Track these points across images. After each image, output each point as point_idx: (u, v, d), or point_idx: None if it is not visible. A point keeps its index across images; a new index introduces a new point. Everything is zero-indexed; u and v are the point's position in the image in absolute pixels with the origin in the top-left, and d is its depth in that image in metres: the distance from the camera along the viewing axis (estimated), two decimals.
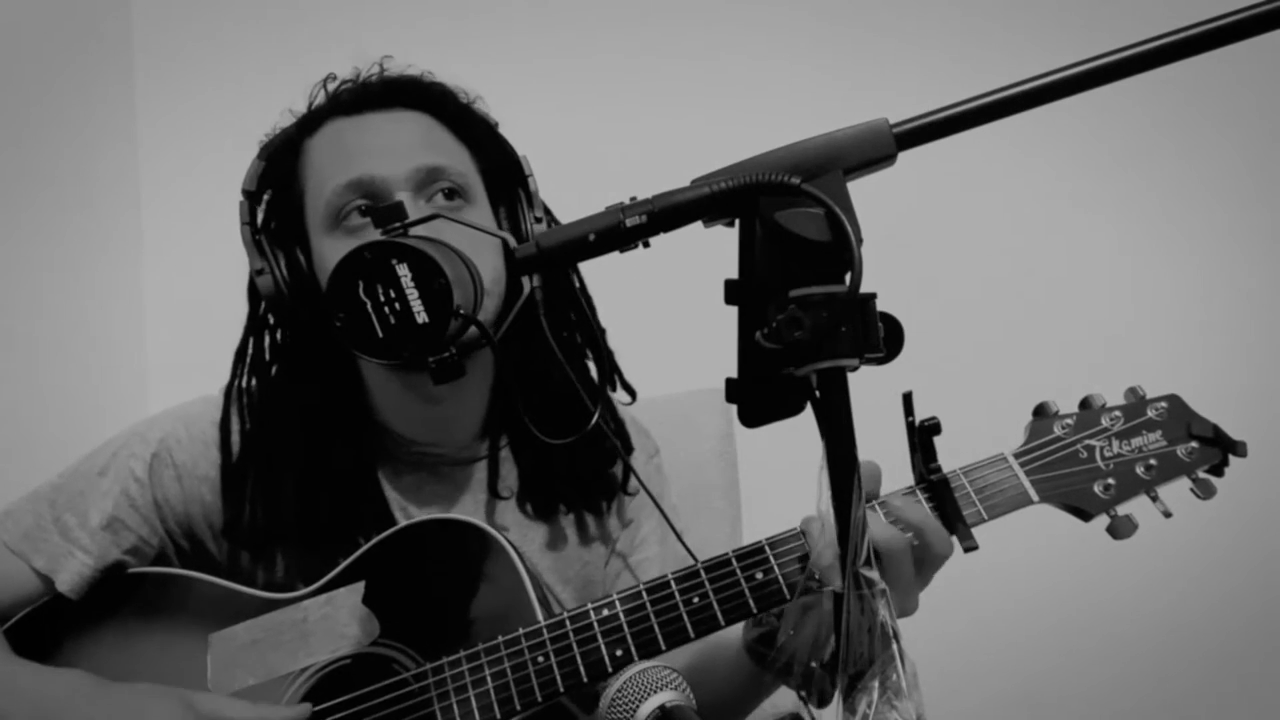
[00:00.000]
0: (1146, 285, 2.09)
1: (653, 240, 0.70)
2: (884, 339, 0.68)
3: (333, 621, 1.05)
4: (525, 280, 1.11)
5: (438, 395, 1.09)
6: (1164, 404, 1.06)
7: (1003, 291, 2.09)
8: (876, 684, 0.69)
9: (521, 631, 1.02)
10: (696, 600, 1.01)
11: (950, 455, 1.04)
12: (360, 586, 1.06)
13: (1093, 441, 1.05)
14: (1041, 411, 1.08)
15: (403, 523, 1.12)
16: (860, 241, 0.63)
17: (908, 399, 1.01)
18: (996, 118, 0.68)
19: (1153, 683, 2.06)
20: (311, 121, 1.15)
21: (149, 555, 1.13)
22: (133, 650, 1.08)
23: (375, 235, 0.98)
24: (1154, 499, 1.04)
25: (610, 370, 1.22)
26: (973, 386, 1.80)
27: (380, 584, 1.06)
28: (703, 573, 1.02)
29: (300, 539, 1.12)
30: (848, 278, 0.64)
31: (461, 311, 0.95)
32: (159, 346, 2.13)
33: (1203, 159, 2.08)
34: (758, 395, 0.69)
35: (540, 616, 1.03)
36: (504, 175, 1.18)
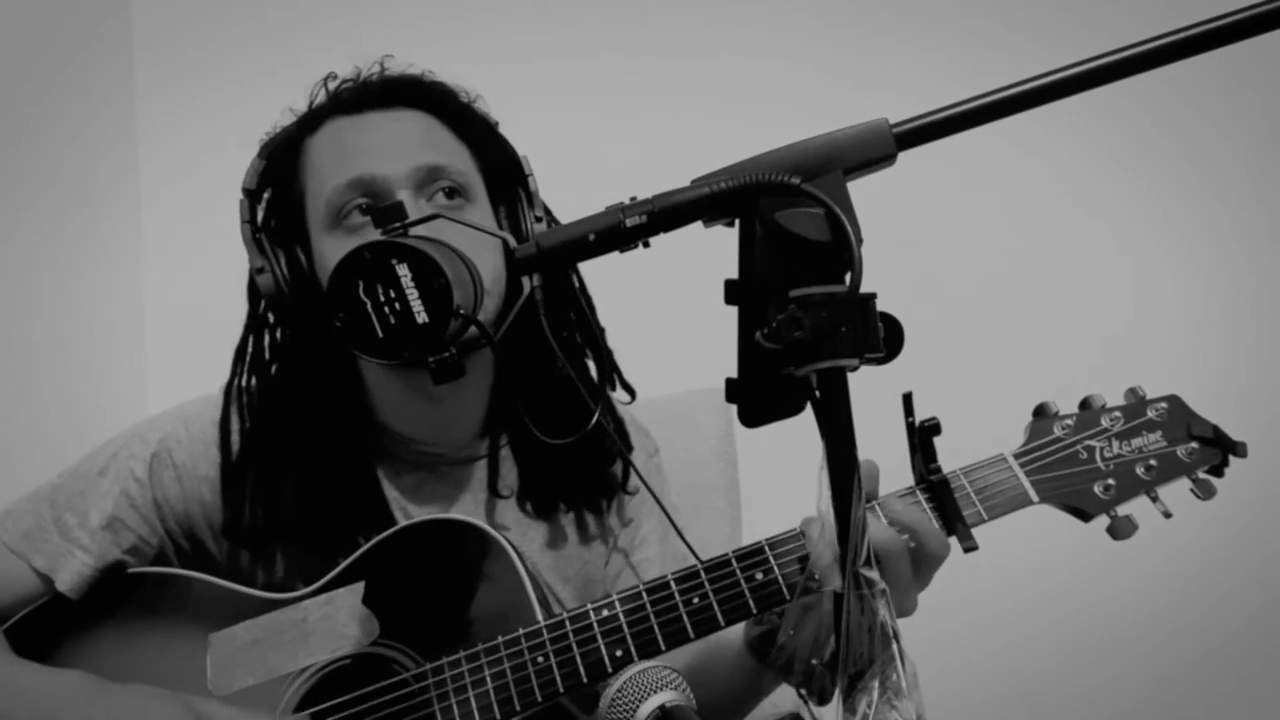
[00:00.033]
0: (1146, 285, 2.10)
1: (653, 240, 0.70)
2: (884, 339, 0.68)
3: (333, 621, 1.05)
4: (525, 280, 1.11)
5: (438, 395, 1.09)
6: (1164, 404, 1.06)
7: (1003, 291, 2.09)
8: (876, 684, 0.69)
9: (521, 632, 1.02)
10: (696, 601, 1.01)
11: (950, 455, 1.04)
12: (360, 586, 1.06)
13: (1093, 442, 1.05)
14: (1041, 412, 1.08)
15: (402, 523, 1.12)
16: (860, 241, 0.63)
17: (908, 399, 1.01)
18: (996, 118, 0.68)
19: (1152, 683, 2.06)
20: (312, 120, 1.15)
21: (149, 555, 1.13)
22: (132, 650, 1.08)
23: (376, 234, 0.98)
24: (1154, 499, 1.03)
25: (610, 370, 1.22)
26: (972, 387, 1.80)
27: (380, 584, 1.06)
28: (702, 573, 1.02)
29: (300, 538, 1.12)
30: (848, 278, 0.64)
31: (461, 311, 0.95)
32: (159, 346, 2.14)
33: (1203, 159, 2.08)
34: (758, 395, 0.69)
35: (540, 617, 1.03)
36: (504, 175, 1.18)
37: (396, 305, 0.94)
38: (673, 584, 1.02)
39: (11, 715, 0.98)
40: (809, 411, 0.68)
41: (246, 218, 1.11)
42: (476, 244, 1.05)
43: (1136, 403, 1.07)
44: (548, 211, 1.19)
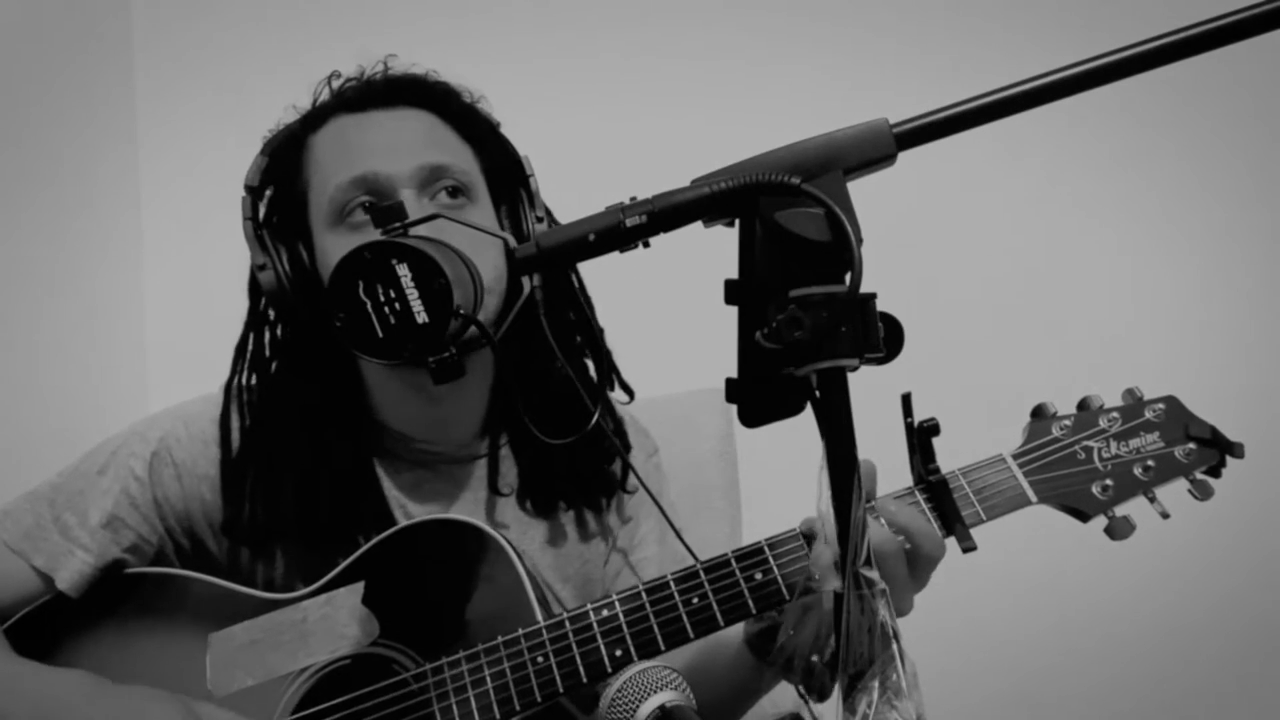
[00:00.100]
0: (1146, 285, 2.10)
1: (653, 240, 0.70)
2: (884, 339, 0.68)
3: (332, 622, 1.05)
4: (525, 280, 1.11)
5: (438, 394, 1.09)
6: (1161, 405, 1.06)
7: (1002, 292, 2.09)
8: (876, 684, 0.69)
9: (521, 632, 1.02)
10: (696, 601, 1.01)
11: (949, 456, 1.04)
12: (360, 587, 1.06)
13: (1091, 443, 1.05)
14: (1039, 413, 1.09)
15: (402, 523, 1.12)
16: (860, 241, 0.63)
17: (907, 400, 1.01)
18: (996, 118, 0.68)
19: (1152, 683, 2.06)
20: (316, 118, 1.15)
21: (149, 554, 1.13)
22: (132, 650, 1.08)
23: (378, 233, 0.98)
24: (1152, 500, 1.04)
25: (609, 370, 1.22)
26: (972, 387, 1.80)
27: (380, 584, 1.06)
28: (702, 573, 1.02)
29: (300, 536, 1.12)
30: (848, 278, 0.64)
31: (461, 311, 0.95)
32: (159, 346, 2.14)
33: (1202, 159, 2.08)
34: (758, 395, 0.69)
35: (539, 617, 1.03)
36: (506, 175, 1.18)
37: (396, 305, 0.94)
38: (672, 584, 1.02)
39: (12, 714, 0.98)
40: (809, 411, 0.68)
41: (248, 214, 1.11)
42: (477, 244, 1.05)
43: (1134, 403, 1.07)
44: (549, 212, 1.19)
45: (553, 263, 0.69)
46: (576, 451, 1.19)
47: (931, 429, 1.02)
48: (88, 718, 0.97)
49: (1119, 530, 1.03)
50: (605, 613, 1.02)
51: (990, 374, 1.93)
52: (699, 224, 0.70)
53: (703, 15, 2.12)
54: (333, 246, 1.07)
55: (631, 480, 1.24)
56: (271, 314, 1.17)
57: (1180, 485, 1.04)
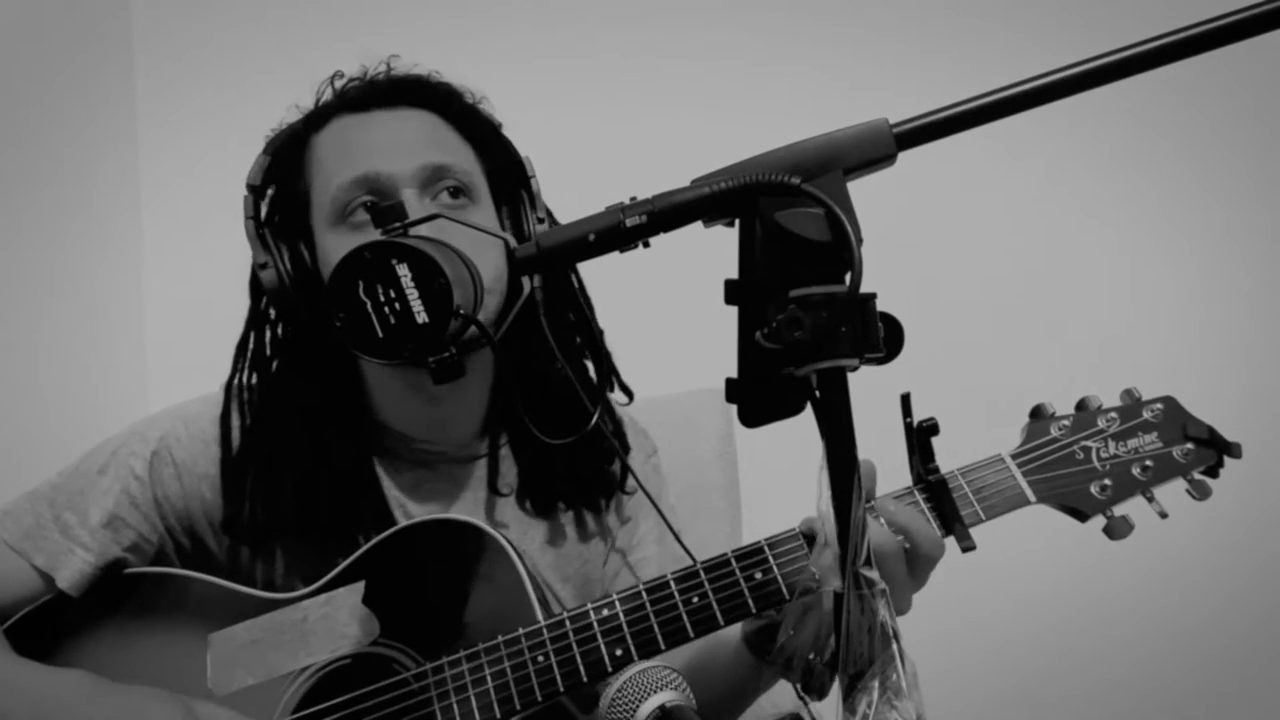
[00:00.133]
0: (1145, 285, 2.10)
1: (653, 240, 0.70)
2: (884, 339, 0.68)
3: (333, 621, 1.05)
4: (525, 280, 1.12)
5: (438, 394, 1.09)
6: (1159, 405, 1.07)
7: (1002, 292, 2.09)
8: (876, 684, 0.69)
9: (521, 631, 1.02)
10: (696, 600, 1.01)
11: (948, 456, 1.04)
12: (360, 586, 1.06)
13: (1089, 443, 1.05)
14: (1038, 413, 1.09)
15: (402, 523, 1.12)
16: (860, 241, 0.64)
17: (906, 400, 1.01)
18: (996, 118, 0.69)
19: (1152, 683, 2.06)
20: (318, 118, 1.15)
21: (149, 553, 1.13)
22: (132, 650, 1.08)
23: (379, 233, 0.98)
24: (1150, 500, 1.04)
25: (608, 371, 1.22)
26: (971, 387, 1.80)
27: (380, 584, 1.06)
28: (702, 573, 1.02)
29: (300, 535, 1.12)
30: (848, 278, 0.64)
31: (461, 311, 0.95)
32: (159, 346, 2.14)
33: (1202, 159, 2.08)
34: (758, 395, 0.69)
35: (540, 616, 1.03)
36: (508, 176, 1.18)
37: (396, 305, 0.94)
38: (672, 583, 1.02)
39: (12, 714, 0.98)
40: (809, 411, 0.68)
41: (250, 213, 1.11)
42: (478, 244, 1.05)
43: (1132, 404, 1.08)
44: (550, 213, 1.19)
45: (553, 263, 0.69)
46: (576, 452, 1.19)
47: (930, 429, 1.02)
48: (87, 717, 0.97)
49: (1117, 530, 1.03)
50: (605, 612, 1.02)
51: (990, 374, 1.93)
52: (699, 224, 0.70)
53: (703, 15, 2.12)
54: (334, 246, 1.08)
55: (630, 481, 1.24)
56: (272, 313, 1.17)
57: (1178, 485, 1.04)
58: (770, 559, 1.02)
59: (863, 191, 0.68)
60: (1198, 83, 2.01)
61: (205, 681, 1.04)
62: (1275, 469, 1.85)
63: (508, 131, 1.21)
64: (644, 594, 1.02)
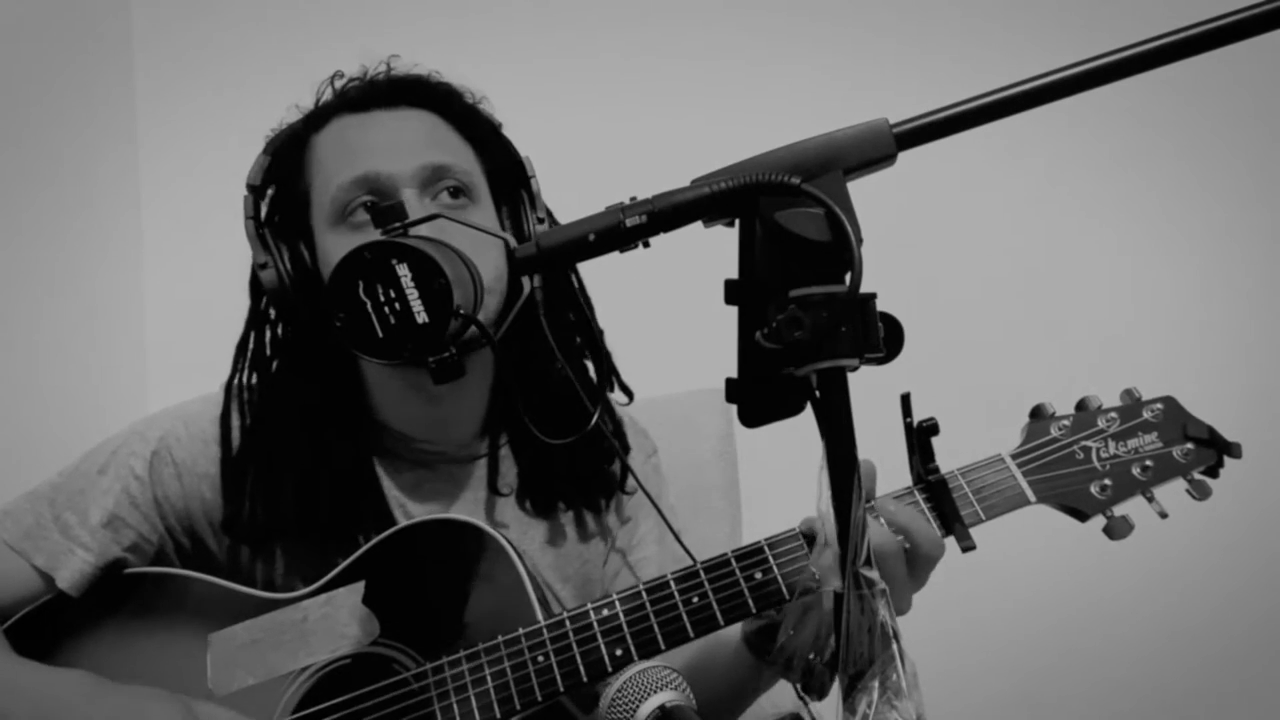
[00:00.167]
0: (1145, 285, 2.10)
1: (653, 240, 0.70)
2: (884, 339, 0.68)
3: (333, 621, 1.05)
4: (525, 280, 1.12)
5: (438, 394, 1.09)
6: (1159, 405, 1.07)
7: (1002, 291, 2.09)
8: (876, 684, 0.69)
9: (521, 631, 1.02)
10: (696, 600, 1.01)
11: (948, 456, 1.04)
12: (360, 586, 1.06)
13: (1089, 443, 1.05)
14: (1038, 413, 1.09)
15: (403, 523, 1.12)
16: (860, 241, 0.64)
17: (906, 400, 1.01)
18: (996, 118, 0.69)
19: (1152, 683, 2.06)
20: (319, 117, 1.15)
21: (149, 553, 1.13)
22: (132, 650, 1.08)
23: (378, 233, 0.98)
24: (1150, 500, 1.04)
25: (608, 372, 1.22)
26: (971, 387, 1.80)
27: (380, 584, 1.06)
28: (702, 573, 1.02)
29: (300, 535, 1.12)
30: (848, 278, 0.64)
31: (461, 311, 0.95)
32: (159, 346, 2.14)
33: (1202, 159, 2.08)
34: (758, 395, 0.69)
35: (540, 616, 1.03)
36: (508, 176, 1.18)
37: (396, 305, 0.94)
38: (672, 583, 1.02)
39: (12, 714, 0.98)
40: (809, 411, 0.68)
41: (250, 213, 1.11)
42: (478, 244, 1.05)
43: (1132, 404, 1.08)
44: (550, 213, 1.19)
45: (553, 262, 0.69)
46: (576, 452, 1.19)
47: (930, 429, 1.02)
48: (88, 717, 0.97)
49: (1117, 530, 1.03)
50: (605, 612, 1.02)
51: (990, 374, 1.93)
52: (699, 224, 0.70)
53: (703, 15, 2.12)
54: (334, 246, 1.08)
55: (630, 481, 1.24)
56: (273, 313, 1.17)
57: (1178, 485, 1.04)
58: (770, 559, 1.02)
59: (863, 191, 0.68)
60: (1198, 83, 2.01)
61: (205, 681, 1.04)
62: (1275, 469, 1.85)
63: (507, 131, 1.21)
64: (644, 594, 1.02)
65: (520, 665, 1.00)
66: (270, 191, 1.15)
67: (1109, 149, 2.08)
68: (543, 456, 1.20)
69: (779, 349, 0.65)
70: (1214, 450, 1.04)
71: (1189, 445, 1.04)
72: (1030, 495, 1.04)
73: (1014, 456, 1.05)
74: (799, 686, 1.01)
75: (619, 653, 1.00)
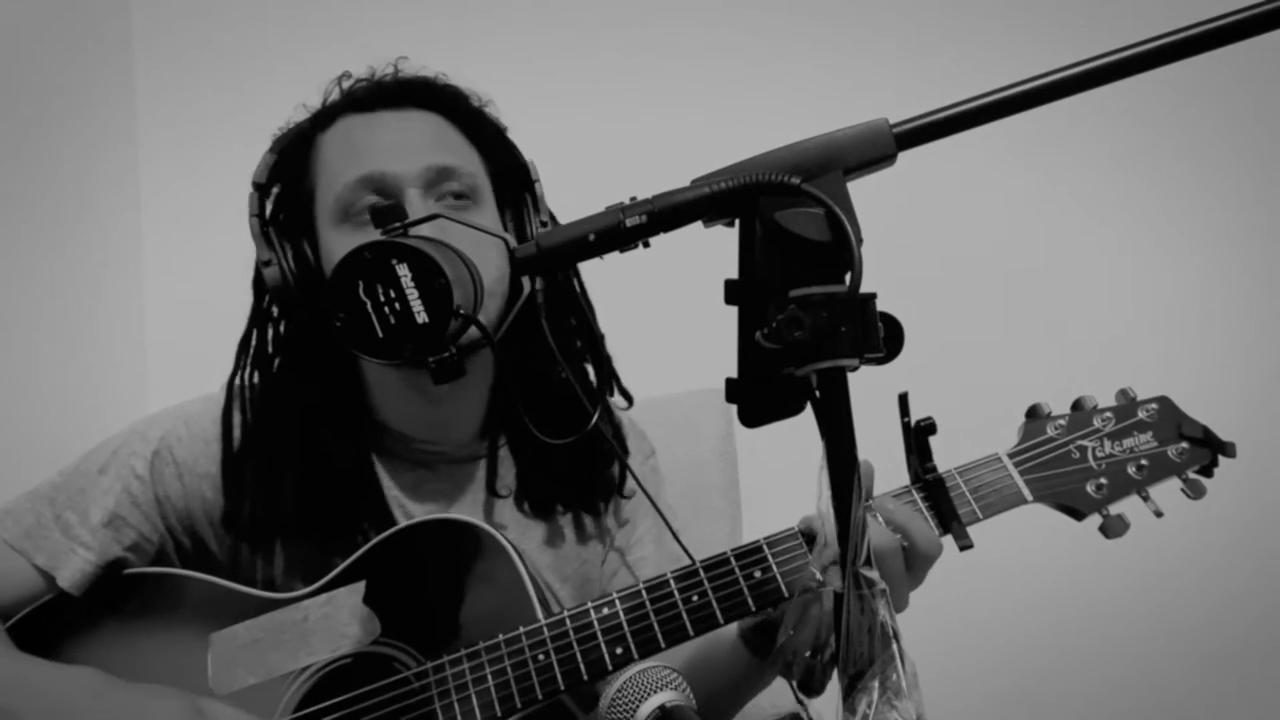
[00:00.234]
0: (1145, 285, 2.10)
1: (653, 240, 0.70)
2: (884, 339, 0.68)
3: (333, 621, 1.05)
4: (526, 281, 1.12)
5: (437, 395, 1.09)
6: (1154, 405, 1.07)
7: (1001, 291, 2.09)
8: (876, 684, 0.69)
9: (522, 630, 1.02)
10: (696, 599, 1.02)
11: (947, 455, 1.04)
12: (360, 586, 1.06)
13: (1085, 442, 1.06)
14: (1034, 413, 1.09)
15: (403, 523, 1.12)
16: (860, 241, 0.64)
17: (903, 399, 1.01)
18: (996, 118, 0.69)
19: (1150, 682, 2.06)
20: (325, 117, 1.15)
21: (149, 553, 1.13)
22: (133, 650, 1.08)
23: (379, 233, 0.98)
24: (1145, 499, 1.04)
25: (608, 376, 1.22)
26: (969, 387, 1.80)
27: (381, 583, 1.06)
28: (701, 572, 1.03)
29: (300, 534, 1.12)
30: (848, 278, 0.65)
31: (461, 311, 0.95)
32: (159, 346, 2.14)
33: (1202, 159, 2.09)
34: (758, 395, 0.69)
35: (540, 615, 1.03)
36: (512, 179, 1.18)
37: (396, 305, 0.94)
38: (672, 582, 1.03)
39: (20, 711, 0.98)
40: (809, 411, 0.69)
41: (255, 210, 1.12)
42: (479, 244, 1.05)
43: (1127, 404, 1.08)
44: (553, 217, 1.19)
45: (553, 262, 0.70)
46: (575, 455, 1.19)
47: (928, 428, 1.02)
48: (95, 714, 0.97)
49: (1113, 528, 1.03)
50: (606, 611, 1.02)
51: (989, 374, 1.93)
52: (699, 224, 0.70)
53: (703, 15, 2.12)
54: (338, 244, 1.08)
55: (629, 484, 1.24)
56: (275, 311, 1.17)
57: (1173, 484, 1.05)
58: (769, 558, 1.02)
59: (863, 191, 0.68)
60: (1198, 83, 2.01)
61: (206, 681, 1.04)
62: (1273, 469, 1.86)
63: (507, 132, 1.21)
64: (644, 593, 1.02)
65: (521, 664, 1.01)
66: (275, 190, 1.15)
67: (1109, 149, 2.08)
68: (541, 458, 1.20)
69: (779, 349, 0.65)
70: (1209, 449, 1.04)
71: (1184, 444, 1.04)
72: (1027, 494, 1.04)
73: (1011, 456, 1.06)
74: (796, 685, 1.01)
75: (619, 651, 1.00)
